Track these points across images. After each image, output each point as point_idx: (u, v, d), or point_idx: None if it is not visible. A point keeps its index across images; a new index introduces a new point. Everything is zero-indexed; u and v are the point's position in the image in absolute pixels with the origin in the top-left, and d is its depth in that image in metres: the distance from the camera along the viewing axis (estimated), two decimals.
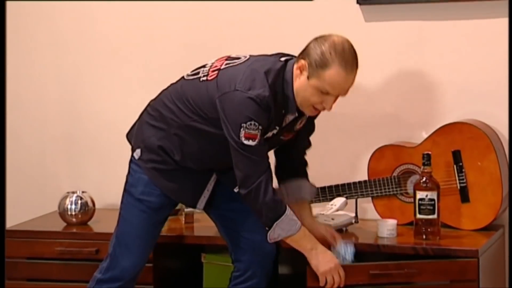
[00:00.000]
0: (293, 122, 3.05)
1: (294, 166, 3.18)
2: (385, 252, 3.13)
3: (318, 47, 2.90)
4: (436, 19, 3.47)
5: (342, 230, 3.32)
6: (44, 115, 3.93)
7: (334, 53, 2.89)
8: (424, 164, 3.17)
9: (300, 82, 2.94)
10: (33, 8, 3.88)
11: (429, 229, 3.16)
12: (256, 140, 2.92)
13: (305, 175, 3.19)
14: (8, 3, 3.69)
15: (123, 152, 3.71)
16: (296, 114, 3.01)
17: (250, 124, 2.91)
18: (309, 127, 3.15)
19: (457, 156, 3.29)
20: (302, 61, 2.92)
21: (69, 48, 3.88)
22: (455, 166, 3.30)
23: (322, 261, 3.01)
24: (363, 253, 3.13)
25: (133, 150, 3.13)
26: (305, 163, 3.20)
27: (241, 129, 2.91)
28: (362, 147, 3.51)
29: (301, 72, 2.93)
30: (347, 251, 3.06)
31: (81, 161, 3.91)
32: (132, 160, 3.13)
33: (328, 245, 3.07)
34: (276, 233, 2.99)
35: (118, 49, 3.84)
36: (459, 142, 3.29)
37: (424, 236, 3.16)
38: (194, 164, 3.06)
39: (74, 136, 3.91)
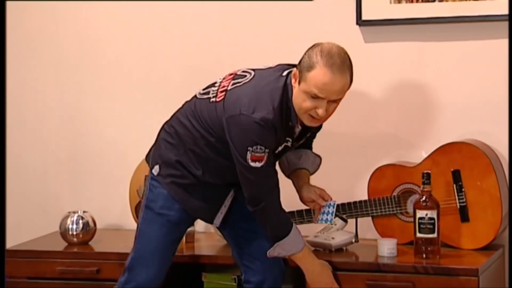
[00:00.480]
0: (304, 130, 3.09)
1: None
2: (385, 270, 3.13)
3: (307, 53, 2.95)
4: (436, 40, 3.49)
5: (342, 249, 3.33)
6: (46, 135, 3.94)
7: (320, 55, 2.92)
8: (424, 183, 3.18)
9: (295, 90, 2.97)
10: (36, 28, 3.91)
11: (429, 248, 3.17)
12: (263, 162, 2.96)
13: (308, 147, 3.22)
14: (9, 23, 3.71)
15: (125, 173, 3.75)
16: (300, 127, 3.04)
17: (256, 148, 2.94)
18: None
19: (456, 175, 3.31)
20: (295, 70, 2.97)
21: (72, 69, 3.91)
22: (454, 185, 3.31)
23: (318, 282, 3.07)
24: (363, 272, 3.14)
25: (151, 168, 3.16)
26: (310, 141, 3.24)
27: (248, 152, 2.94)
28: (362, 167, 3.53)
29: (295, 80, 2.97)
30: (329, 212, 3.11)
31: (82, 182, 3.92)
32: (151, 177, 3.16)
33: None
34: (276, 251, 3.02)
35: (120, 70, 3.86)
36: (459, 161, 3.30)
37: (424, 255, 3.17)
38: (213, 179, 3.08)
39: (76, 157, 3.92)
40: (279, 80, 3.00)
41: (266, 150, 2.95)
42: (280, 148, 3.05)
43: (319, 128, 3.19)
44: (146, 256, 3.10)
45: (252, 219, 3.07)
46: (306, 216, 3.41)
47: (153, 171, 3.14)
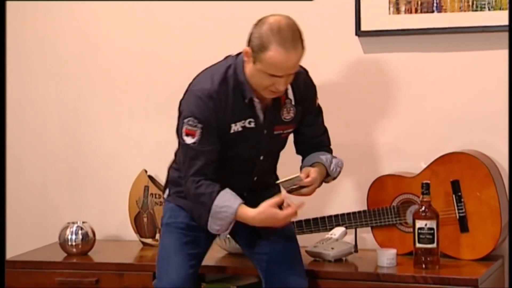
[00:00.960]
0: (275, 112, 3.09)
1: (311, 146, 3.22)
2: (385, 281, 3.13)
3: (257, 32, 2.97)
4: (435, 50, 3.50)
5: (341, 260, 3.32)
6: (46, 146, 3.94)
7: (271, 34, 2.94)
8: (423, 193, 3.18)
9: (249, 68, 3.01)
10: (35, 38, 3.91)
11: (428, 258, 3.16)
12: (195, 138, 3.00)
13: (323, 149, 3.22)
14: (8, 31, 3.72)
15: (124, 183, 3.75)
16: (260, 105, 3.06)
17: (190, 120, 3.00)
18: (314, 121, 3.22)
19: (456, 186, 3.31)
20: (246, 48, 3.00)
21: (71, 80, 3.91)
22: (454, 196, 3.31)
23: (263, 222, 3.00)
24: (363, 281, 3.15)
25: (163, 193, 3.27)
26: (325, 144, 3.23)
27: (183, 125, 3.02)
28: (361, 177, 3.53)
29: (248, 58, 3.00)
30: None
31: (82, 192, 3.92)
32: (164, 202, 3.26)
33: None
34: (214, 229, 3.04)
35: (121, 80, 3.86)
36: (458, 172, 3.31)
37: (423, 265, 3.16)
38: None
39: (75, 167, 3.92)
40: (228, 61, 3.09)
41: (200, 125, 2.99)
42: (236, 128, 3.05)
43: (317, 114, 3.21)
44: (163, 264, 3.13)
45: (260, 236, 3.09)
46: (305, 227, 3.42)
47: (165, 195, 3.25)
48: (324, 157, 3.19)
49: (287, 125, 3.14)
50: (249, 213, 2.99)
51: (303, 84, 3.16)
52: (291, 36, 2.94)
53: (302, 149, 3.25)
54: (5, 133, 3.47)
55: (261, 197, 3.05)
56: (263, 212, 2.97)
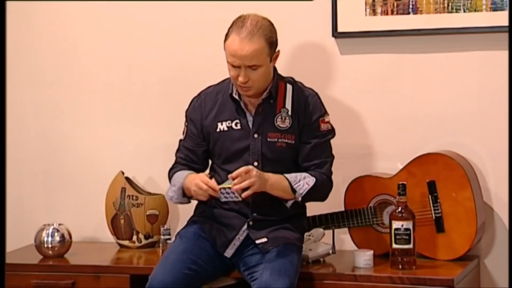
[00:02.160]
0: (267, 118, 3.11)
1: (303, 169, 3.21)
2: (362, 281, 3.14)
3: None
4: (411, 52, 3.52)
5: (319, 261, 3.33)
6: (22, 148, 3.92)
7: (234, 24, 3.07)
8: (399, 194, 3.20)
9: None
10: (10, 42, 3.89)
11: (405, 259, 3.18)
12: (184, 134, 3.25)
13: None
14: None
15: (101, 185, 3.73)
16: (248, 110, 3.13)
17: (186, 121, 3.26)
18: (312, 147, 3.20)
19: (432, 186, 3.32)
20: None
21: (47, 83, 3.89)
22: (430, 196, 3.32)
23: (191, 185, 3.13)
24: (340, 283, 3.15)
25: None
26: (319, 171, 3.20)
27: None
28: (338, 178, 3.52)
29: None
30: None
31: (58, 194, 3.90)
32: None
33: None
34: (169, 196, 3.25)
35: (96, 84, 3.85)
36: (434, 173, 3.32)
37: (400, 266, 3.18)
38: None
39: (51, 169, 3.90)
40: None
41: (186, 123, 3.24)
42: (222, 127, 3.14)
43: (318, 136, 3.17)
44: (161, 261, 3.13)
45: (261, 261, 3.08)
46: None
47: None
48: (295, 174, 3.15)
49: (282, 133, 3.14)
50: (191, 176, 3.13)
51: (306, 100, 3.18)
52: (251, 28, 3.03)
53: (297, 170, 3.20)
54: (5, 133, 3.47)
55: (267, 206, 3.13)
56: (195, 178, 3.11)
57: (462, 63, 3.47)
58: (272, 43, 3.08)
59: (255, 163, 3.13)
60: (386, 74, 3.55)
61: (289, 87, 3.21)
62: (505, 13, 3.35)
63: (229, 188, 3.03)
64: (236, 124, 3.14)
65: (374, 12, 3.50)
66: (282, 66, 3.35)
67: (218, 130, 3.15)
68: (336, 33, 3.55)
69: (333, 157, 3.23)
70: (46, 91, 3.90)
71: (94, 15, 3.82)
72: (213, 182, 3.05)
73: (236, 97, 3.15)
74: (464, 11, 3.41)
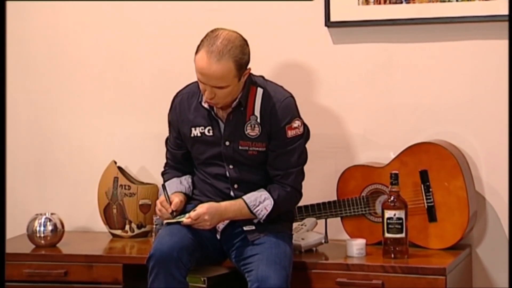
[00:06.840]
0: (237, 126, 3.09)
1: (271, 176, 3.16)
2: (355, 270, 3.14)
3: None
4: (403, 41, 3.52)
5: (312, 250, 3.33)
6: (14, 139, 3.91)
7: (206, 40, 2.98)
8: (391, 183, 3.20)
9: None
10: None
11: (397, 248, 3.18)
12: (169, 136, 3.28)
13: (277, 184, 3.14)
14: None
15: (93, 175, 3.73)
16: (207, 106, 3.10)
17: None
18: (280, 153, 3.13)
19: (424, 176, 3.33)
20: None
21: (40, 73, 3.88)
22: (422, 185, 3.33)
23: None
24: (333, 272, 3.16)
25: None
26: (283, 182, 3.13)
27: None
28: (331, 168, 3.54)
29: None
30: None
31: (51, 184, 3.89)
32: None
33: None
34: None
35: (88, 74, 3.84)
36: (426, 162, 3.33)
37: (392, 255, 3.18)
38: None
39: (43, 159, 3.90)
40: None
41: (169, 125, 3.26)
42: (196, 133, 3.14)
43: (285, 145, 3.11)
44: (160, 234, 3.13)
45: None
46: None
47: None
48: (255, 195, 3.10)
49: (252, 142, 3.10)
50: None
51: (273, 107, 3.08)
52: (221, 48, 2.94)
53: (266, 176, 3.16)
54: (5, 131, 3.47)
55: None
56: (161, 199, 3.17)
57: (455, 53, 3.47)
58: (241, 65, 2.98)
59: (231, 166, 3.13)
60: (379, 64, 3.55)
61: (259, 92, 3.10)
62: (498, 2, 3.35)
63: (179, 222, 3.09)
64: (208, 131, 3.12)
65: (367, 2, 3.49)
66: (275, 55, 3.35)
67: (192, 135, 3.14)
68: (329, 23, 3.54)
69: (303, 163, 3.16)
70: (38, 81, 3.89)
71: (87, 5, 3.81)
72: (168, 206, 3.13)
73: (206, 106, 3.11)
74: (457, 1, 3.41)
